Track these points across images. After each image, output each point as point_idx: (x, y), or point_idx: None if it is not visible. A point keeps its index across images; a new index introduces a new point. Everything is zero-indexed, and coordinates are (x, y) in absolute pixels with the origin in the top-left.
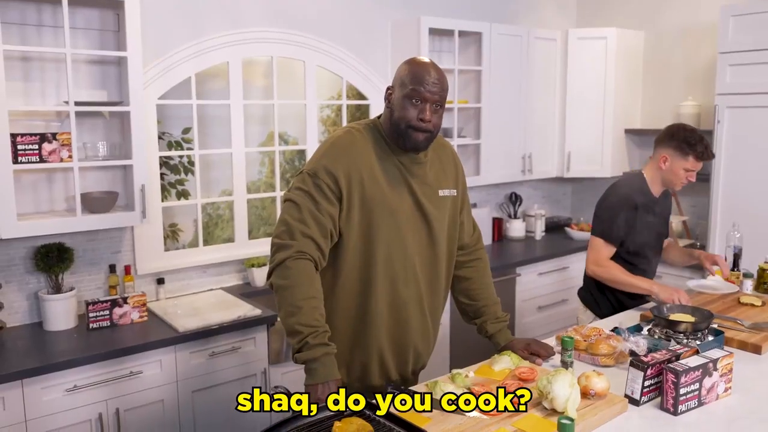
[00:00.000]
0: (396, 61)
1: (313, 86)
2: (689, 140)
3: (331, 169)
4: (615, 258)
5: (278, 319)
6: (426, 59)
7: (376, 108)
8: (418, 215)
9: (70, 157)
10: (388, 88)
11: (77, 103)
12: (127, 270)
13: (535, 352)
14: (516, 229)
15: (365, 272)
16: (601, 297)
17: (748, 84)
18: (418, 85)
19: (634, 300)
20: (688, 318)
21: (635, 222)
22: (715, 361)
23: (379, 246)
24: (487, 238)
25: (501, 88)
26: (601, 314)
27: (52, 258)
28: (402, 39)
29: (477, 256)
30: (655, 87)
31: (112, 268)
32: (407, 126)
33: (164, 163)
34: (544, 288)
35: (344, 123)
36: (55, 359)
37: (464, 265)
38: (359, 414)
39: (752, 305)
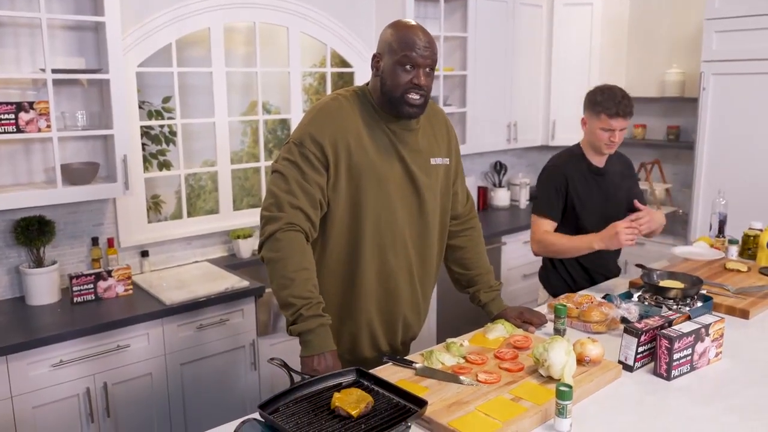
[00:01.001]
0: (380, 27)
1: (297, 53)
2: (597, 98)
3: (317, 137)
4: (563, 233)
5: (266, 290)
6: (412, 22)
7: (361, 75)
8: (409, 184)
9: (49, 126)
10: (374, 56)
11: (54, 71)
12: (110, 243)
13: (527, 320)
14: (501, 198)
15: (353, 241)
16: (553, 273)
17: (735, 51)
18: (409, 51)
19: (586, 273)
20: (678, 284)
21: (572, 193)
22: (707, 327)
23: (367, 215)
24: None
25: (487, 55)
26: (554, 292)
27: (33, 231)
28: (387, 4)
29: (470, 225)
30: (640, 54)
31: (95, 241)
32: (402, 93)
33: (145, 133)
34: (529, 256)
35: (328, 91)
36: (39, 334)
37: (458, 235)
38: (358, 384)
39: (738, 271)
